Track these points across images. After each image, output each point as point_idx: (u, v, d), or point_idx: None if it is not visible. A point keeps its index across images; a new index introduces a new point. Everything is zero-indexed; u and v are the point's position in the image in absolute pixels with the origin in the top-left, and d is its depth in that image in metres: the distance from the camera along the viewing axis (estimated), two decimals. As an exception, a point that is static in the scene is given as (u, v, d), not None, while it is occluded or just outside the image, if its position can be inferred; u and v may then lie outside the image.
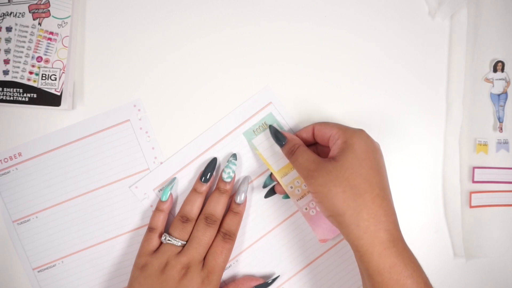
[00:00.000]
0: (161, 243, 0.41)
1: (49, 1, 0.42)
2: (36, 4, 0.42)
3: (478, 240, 0.45)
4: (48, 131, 0.44)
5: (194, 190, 0.43)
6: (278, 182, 0.43)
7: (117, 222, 0.44)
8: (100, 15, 0.44)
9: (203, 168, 0.43)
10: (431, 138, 0.46)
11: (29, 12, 0.42)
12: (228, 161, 0.43)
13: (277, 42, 0.45)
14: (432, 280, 0.43)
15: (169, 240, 0.41)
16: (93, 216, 0.44)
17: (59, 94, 0.42)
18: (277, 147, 0.43)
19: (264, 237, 0.45)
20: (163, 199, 0.43)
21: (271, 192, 0.44)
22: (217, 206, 0.42)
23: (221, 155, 0.44)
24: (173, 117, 0.45)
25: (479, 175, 0.45)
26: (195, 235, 0.41)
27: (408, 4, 0.46)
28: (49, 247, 0.44)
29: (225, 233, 0.41)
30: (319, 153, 0.41)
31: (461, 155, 0.46)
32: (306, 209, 0.43)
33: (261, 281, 0.43)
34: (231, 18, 0.45)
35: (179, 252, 0.40)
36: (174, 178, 0.44)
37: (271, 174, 0.44)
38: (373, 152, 0.38)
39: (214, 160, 0.43)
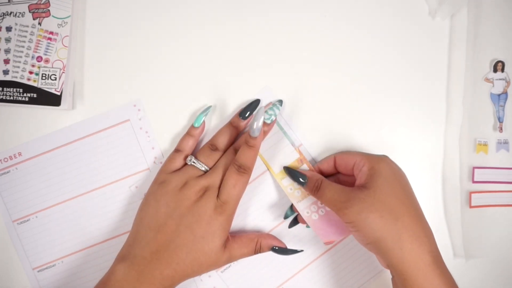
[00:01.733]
0: (185, 164, 0.41)
1: (49, 1, 0.42)
2: (36, 4, 0.42)
3: (478, 240, 0.45)
4: (48, 131, 0.44)
5: (230, 123, 0.43)
6: (299, 213, 0.43)
7: (117, 222, 0.44)
8: (100, 15, 0.44)
9: (243, 106, 0.43)
10: (431, 138, 0.46)
11: (29, 12, 0.42)
12: (273, 104, 0.43)
13: (277, 41, 0.45)
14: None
15: (194, 162, 0.41)
16: (93, 216, 0.44)
17: (59, 94, 0.42)
18: (277, 149, 0.43)
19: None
20: (196, 125, 0.42)
21: (294, 222, 0.44)
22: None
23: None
24: (173, 117, 0.44)
25: (479, 175, 0.45)
26: (223, 162, 0.41)
27: (408, 4, 0.46)
28: (49, 247, 0.44)
29: (240, 166, 0.40)
30: (341, 183, 0.40)
31: (461, 155, 0.46)
32: (307, 212, 0.43)
33: (282, 245, 0.42)
34: (231, 18, 0.45)
35: (200, 176, 0.40)
36: (209, 106, 0.43)
37: (292, 205, 0.44)
38: (401, 176, 0.38)
39: (257, 101, 0.43)
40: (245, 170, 0.40)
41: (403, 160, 0.45)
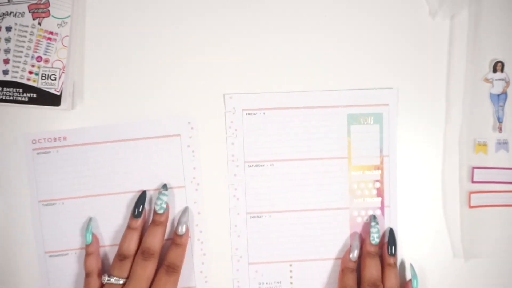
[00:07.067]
0: (103, 285, 0.41)
1: (49, 1, 0.42)
2: (35, 4, 0.42)
3: (477, 240, 0.45)
4: (48, 131, 0.44)
5: (128, 226, 0.43)
6: None
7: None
8: (100, 15, 0.44)
9: (133, 204, 0.43)
10: (431, 138, 0.46)
11: (29, 12, 0.42)
12: (158, 193, 0.43)
13: (280, 43, 0.45)
14: (431, 280, 0.43)
15: (108, 280, 0.41)
16: (116, 219, 0.44)
17: (59, 94, 0.42)
18: (360, 145, 0.45)
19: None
20: (88, 242, 0.42)
21: None
22: (154, 239, 0.41)
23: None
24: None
25: (479, 175, 0.45)
26: (134, 270, 0.40)
27: (408, 4, 0.46)
28: (67, 236, 0.44)
29: (168, 265, 0.41)
30: None
31: (461, 155, 0.46)
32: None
33: None
34: (234, 19, 0.45)
35: None
36: (90, 218, 0.44)
37: None
38: None
39: (143, 194, 0.43)
40: (174, 269, 0.41)
41: (402, 160, 0.46)
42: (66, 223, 0.44)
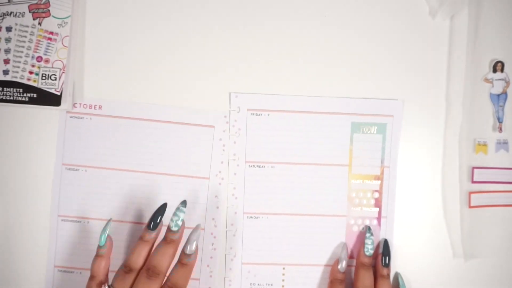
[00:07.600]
0: None
1: (49, 1, 0.42)
2: (36, 4, 0.42)
3: (477, 240, 0.45)
4: (48, 131, 0.44)
5: (140, 238, 0.40)
6: None
7: (145, 211, 0.44)
8: (100, 15, 0.44)
9: (151, 214, 0.41)
10: (431, 138, 0.46)
11: (29, 12, 0.42)
12: (176, 208, 0.40)
13: (272, 41, 0.45)
14: (431, 280, 0.43)
15: None
16: (134, 196, 0.44)
17: (59, 94, 0.42)
18: (361, 154, 0.44)
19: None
20: (101, 243, 0.39)
21: None
22: (163, 258, 0.38)
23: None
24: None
25: (479, 175, 0.45)
26: (135, 287, 0.38)
27: (408, 4, 0.46)
28: (83, 203, 0.44)
29: (171, 287, 0.38)
30: None
31: (461, 155, 0.46)
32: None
33: None
34: (236, 21, 0.45)
35: None
36: (109, 220, 0.41)
37: None
38: None
39: (163, 206, 0.41)
40: None
41: (402, 160, 0.46)
42: (85, 191, 0.44)
